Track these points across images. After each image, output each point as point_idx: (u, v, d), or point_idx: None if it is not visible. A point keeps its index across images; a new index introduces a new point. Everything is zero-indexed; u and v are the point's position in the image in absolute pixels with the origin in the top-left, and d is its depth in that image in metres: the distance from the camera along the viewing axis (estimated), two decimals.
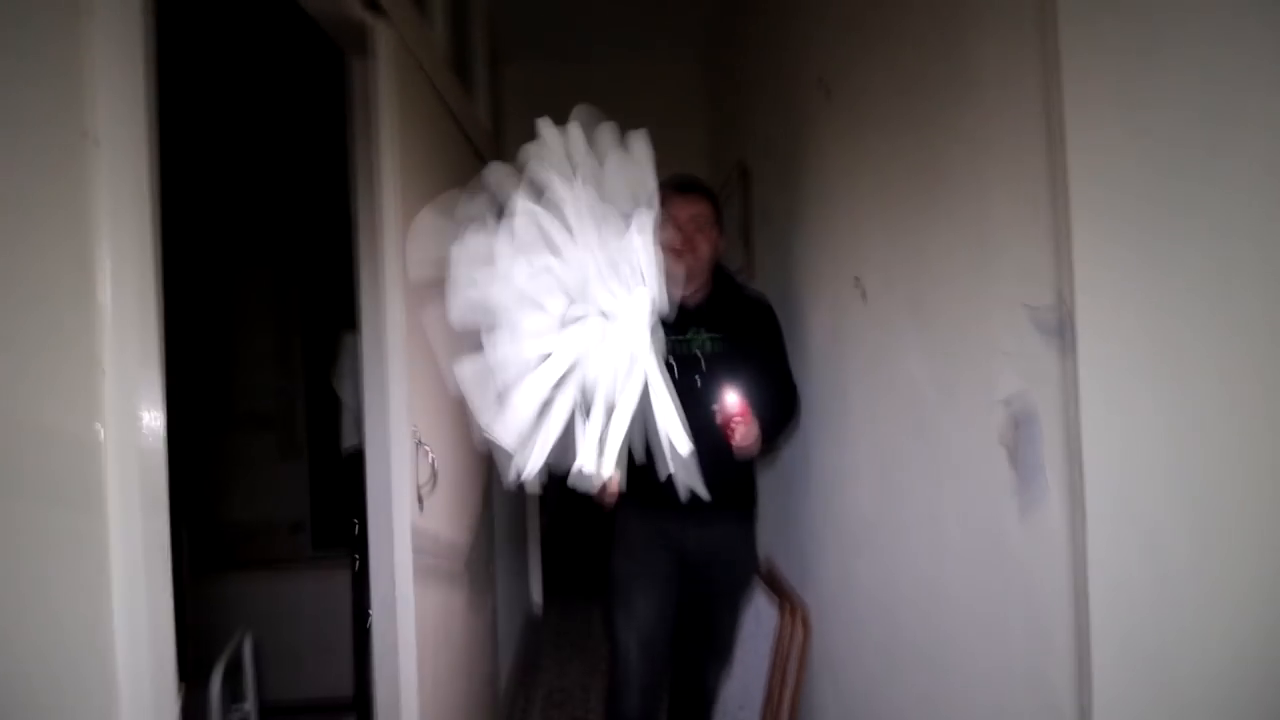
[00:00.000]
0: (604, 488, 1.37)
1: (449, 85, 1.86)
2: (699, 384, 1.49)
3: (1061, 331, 0.67)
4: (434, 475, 1.45)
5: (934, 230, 1.07)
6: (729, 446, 1.52)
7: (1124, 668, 0.59)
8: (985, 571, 0.95)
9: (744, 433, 1.39)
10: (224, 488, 3.04)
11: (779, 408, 1.62)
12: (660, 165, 3.72)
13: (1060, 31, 0.66)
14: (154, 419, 0.67)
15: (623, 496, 1.56)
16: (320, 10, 1.27)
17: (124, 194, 0.64)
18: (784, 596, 1.87)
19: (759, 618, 1.95)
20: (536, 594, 3.46)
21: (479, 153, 2.28)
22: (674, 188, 1.49)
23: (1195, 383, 0.52)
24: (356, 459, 1.93)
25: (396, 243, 1.37)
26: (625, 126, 3.77)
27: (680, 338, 1.48)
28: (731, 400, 1.40)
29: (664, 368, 1.16)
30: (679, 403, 1.37)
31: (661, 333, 1.14)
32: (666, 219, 1.47)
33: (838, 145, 1.50)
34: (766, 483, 2.13)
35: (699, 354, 1.51)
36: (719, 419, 1.39)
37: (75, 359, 0.62)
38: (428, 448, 1.43)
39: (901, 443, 1.23)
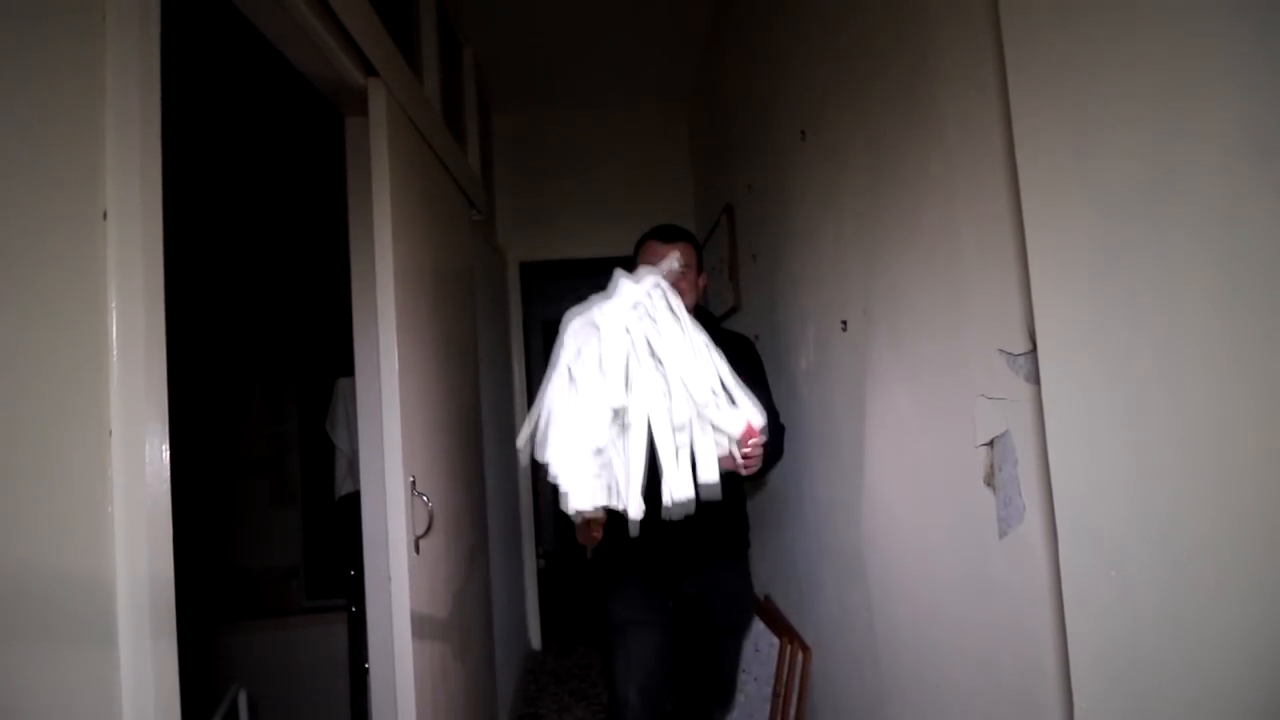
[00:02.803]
0: (589, 526, 1.37)
1: (440, 138, 1.93)
2: None
3: (1038, 377, 0.71)
4: (430, 521, 1.46)
5: (913, 273, 1.12)
6: (723, 488, 1.54)
7: (1101, 679, 0.61)
8: (971, 596, 0.97)
9: (755, 455, 1.34)
10: (217, 535, 3.02)
11: (770, 441, 1.66)
12: (648, 203, 3.80)
13: (1011, 87, 0.71)
14: (161, 474, 0.69)
15: (615, 542, 1.58)
16: (318, 75, 1.33)
17: (135, 267, 0.67)
18: (783, 630, 1.86)
19: (760, 648, 1.94)
20: (535, 635, 3.41)
21: (470, 200, 2.34)
22: (656, 236, 1.57)
23: (1150, 415, 0.55)
24: (350, 504, 1.93)
25: (391, 290, 1.41)
26: (613, 169, 3.86)
27: None
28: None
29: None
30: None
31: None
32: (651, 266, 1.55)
33: (819, 190, 1.56)
34: (760, 516, 2.14)
35: None
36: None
37: (86, 412, 0.64)
38: (424, 496, 1.44)
39: (890, 476, 1.26)
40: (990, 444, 0.91)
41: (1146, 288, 0.55)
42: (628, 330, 0.98)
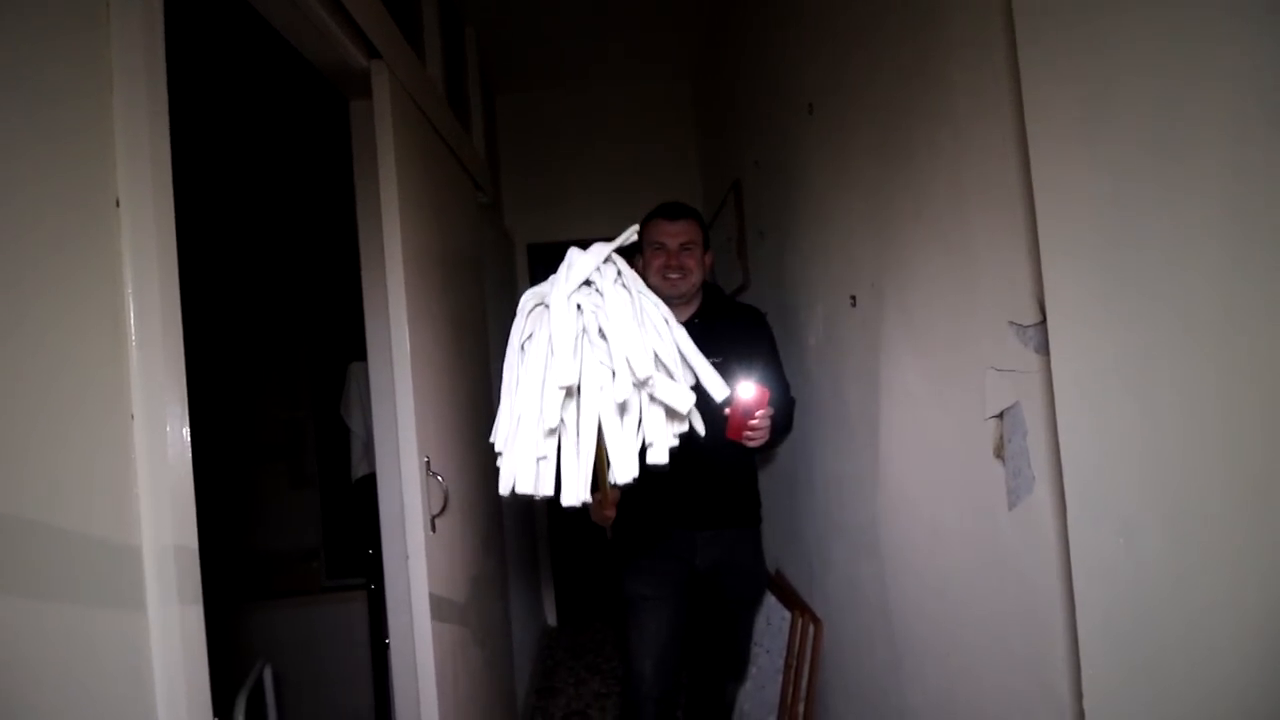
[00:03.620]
0: (600, 507, 1.37)
1: (444, 119, 1.92)
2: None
3: (1048, 348, 0.71)
4: (445, 500, 1.49)
5: (922, 246, 1.11)
6: (733, 458, 1.55)
7: (1108, 646, 0.62)
8: (982, 567, 0.98)
9: (763, 428, 1.37)
10: (237, 518, 3.08)
11: (780, 415, 1.66)
12: (655, 181, 3.77)
13: (1021, 55, 0.70)
14: (183, 454, 0.71)
15: (628, 515, 1.59)
16: (322, 58, 1.33)
17: (149, 254, 0.68)
18: (795, 604, 1.89)
19: (772, 622, 1.97)
20: (551, 612, 3.47)
21: (476, 182, 2.34)
22: (662, 214, 1.57)
23: (1159, 385, 0.55)
24: (366, 486, 1.96)
25: (400, 272, 1.42)
26: (619, 147, 3.83)
27: None
28: (747, 391, 1.33)
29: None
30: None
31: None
32: (658, 244, 1.55)
33: (828, 165, 1.54)
34: (772, 492, 2.16)
35: None
36: (733, 413, 1.34)
37: (106, 386, 0.66)
38: (439, 476, 1.46)
39: (900, 450, 1.26)
40: (1000, 416, 0.91)
41: (1156, 255, 0.55)
42: (579, 307, 0.95)
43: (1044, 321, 0.73)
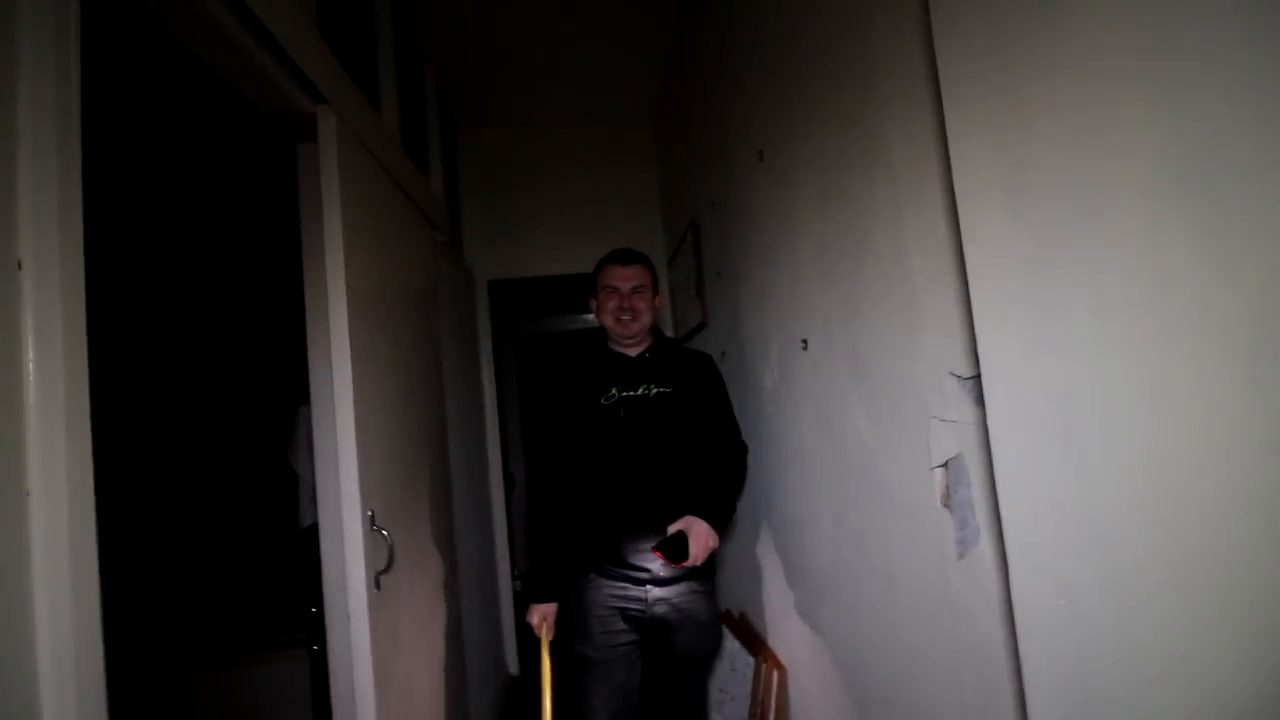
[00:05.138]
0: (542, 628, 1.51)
1: (397, 160, 1.90)
2: (648, 425, 1.58)
3: (984, 402, 0.71)
4: (391, 557, 1.42)
5: (867, 293, 1.13)
6: (687, 492, 1.57)
7: (1054, 709, 0.61)
8: (934, 616, 0.98)
9: (701, 554, 1.48)
10: (175, 567, 2.91)
11: (731, 461, 1.68)
12: (617, 217, 3.79)
13: (947, 114, 0.72)
14: (87, 535, 0.66)
15: (581, 566, 1.56)
16: (266, 102, 1.31)
17: (53, 318, 0.64)
18: (759, 648, 1.85)
19: (736, 667, 1.93)
20: (512, 659, 3.35)
21: (432, 222, 2.31)
22: (615, 259, 1.67)
23: (1088, 445, 0.56)
24: (314, 534, 1.88)
25: (345, 316, 1.38)
26: (582, 183, 3.85)
27: (632, 393, 1.60)
28: (676, 549, 1.45)
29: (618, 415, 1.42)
30: (629, 444, 1.54)
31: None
32: (611, 288, 1.62)
33: (777, 210, 1.57)
34: (735, 533, 2.14)
35: (648, 400, 1.60)
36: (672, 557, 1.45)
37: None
38: (384, 530, 1.40)
39: (854, 494, 1.26)
40: (945, 465, 0.91)
41: (1081, 316, 0.56)
42: None
43: (979, 375, 0.74)
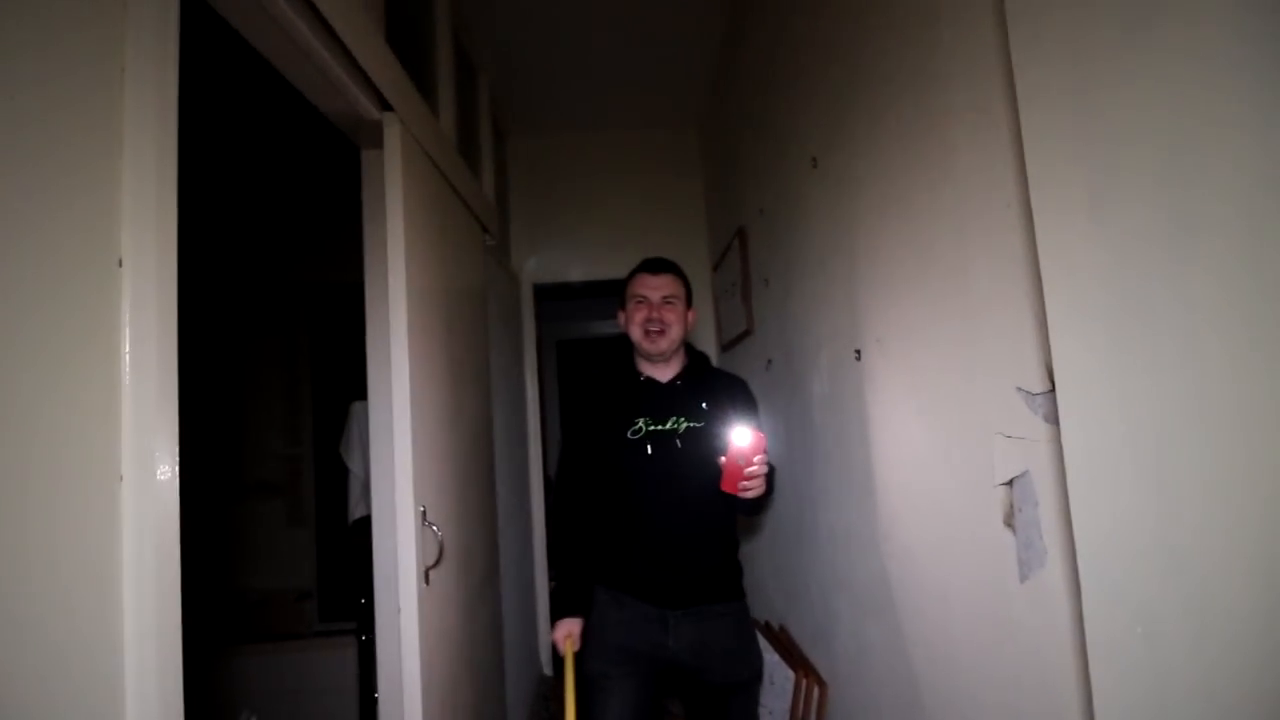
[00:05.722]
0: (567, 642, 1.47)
1: (454, 166, 1.95)
2: (675, 463, 1.48)
3: (1058, 418, 0.69)
4: (441, 552, 1.45)
5: (927, 305, 1.10)
6: (710, 523, 1.50)
7: None
8: (993, 640, 0.94)
9: (760, 474, 1.34)
10: (231, 555, 3.04)
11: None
12: (661, 225, 3.81)
13: (1024, 125, 0.70)
14: (171, 517, 0.70)
15: (603, 584, 1.53)
16: (335, 111, 1.36)
17: (149, 315, 0.68)
18: (799, 662, 1.82)
19: (775, 681, 1.90)
20: (546, 659, 3.37)
21: (484, 226, 2.37)
22: (645, 269, 1.58)
23: (1175, 466, 0.53)
24: (363, 528, 1.93)
25: (404, 316, 1.42)
26: (626, 191, 3.89)
27: (660, 427, 1.51)
28: (742, 437, 1.29)
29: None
30: (654, 482, 1.46)
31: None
32: (641, 297, 1.54)
33: (831, 218, 1.55)
34: (778, 543, 2.11)
35: (676, 436, 1.50)
36: (729, 461, 1.31)
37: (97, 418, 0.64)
38: (434, 526, 1.44)
39: (906, 509, 1.23)
40: (1010, 483, 0.89)
41: (1168, 332, 0.53)
42: None
43: (1053, 390, 0.72)
